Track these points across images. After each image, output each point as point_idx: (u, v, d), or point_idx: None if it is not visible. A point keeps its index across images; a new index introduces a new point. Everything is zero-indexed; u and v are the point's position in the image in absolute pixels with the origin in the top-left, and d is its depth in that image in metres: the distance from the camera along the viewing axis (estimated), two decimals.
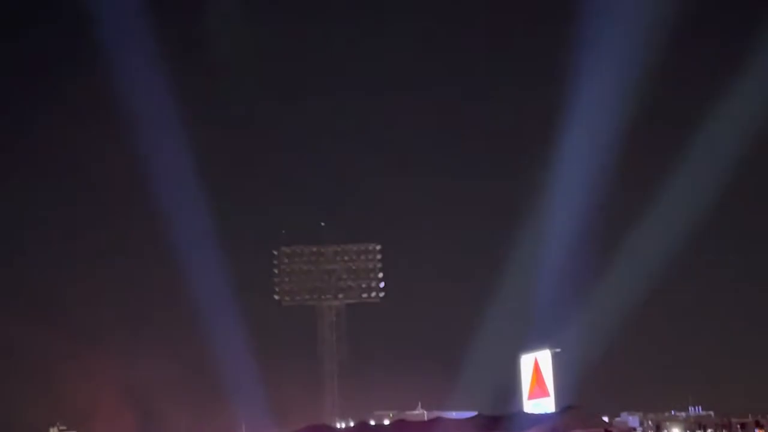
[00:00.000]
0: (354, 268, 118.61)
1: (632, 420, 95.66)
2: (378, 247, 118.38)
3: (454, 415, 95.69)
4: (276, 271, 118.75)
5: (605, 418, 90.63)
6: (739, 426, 79.44)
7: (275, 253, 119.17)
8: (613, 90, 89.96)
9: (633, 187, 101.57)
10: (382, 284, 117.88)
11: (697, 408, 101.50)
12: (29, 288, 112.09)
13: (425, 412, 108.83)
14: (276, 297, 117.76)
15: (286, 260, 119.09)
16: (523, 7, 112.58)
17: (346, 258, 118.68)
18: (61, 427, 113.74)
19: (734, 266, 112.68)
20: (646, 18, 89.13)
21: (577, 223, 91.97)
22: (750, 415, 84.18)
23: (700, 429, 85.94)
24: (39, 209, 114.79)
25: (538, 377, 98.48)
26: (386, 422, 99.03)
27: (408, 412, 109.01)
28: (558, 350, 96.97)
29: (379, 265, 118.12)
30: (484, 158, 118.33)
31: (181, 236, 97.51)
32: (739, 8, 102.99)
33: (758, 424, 76.86)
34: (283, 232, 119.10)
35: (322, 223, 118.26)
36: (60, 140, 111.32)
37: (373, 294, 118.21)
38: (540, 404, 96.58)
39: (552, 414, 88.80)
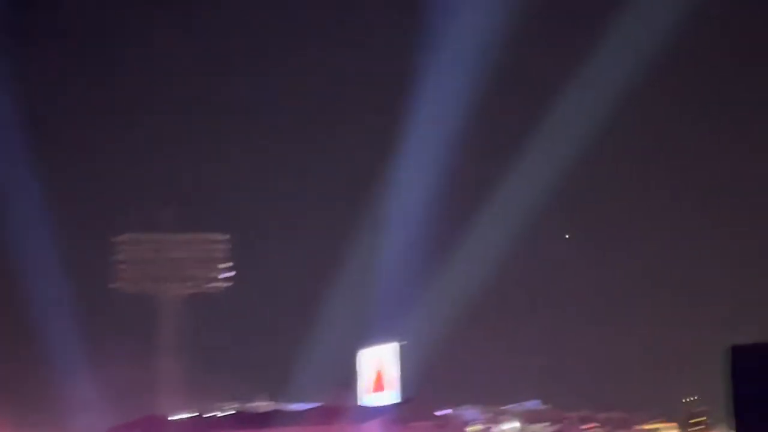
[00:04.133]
0: (199, 257, 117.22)
1: (471, 413, 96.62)
2: (224, 237, 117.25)
3: (294, 407, 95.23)
4: (118, 258, 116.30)
5: (445, 411, 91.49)
6: (572, 419, 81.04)
7: (116, 240, 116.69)
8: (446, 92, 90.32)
9: (473, 178, 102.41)
10: (227, 274, 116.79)
11: (533, 402, 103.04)
12: None
13: (268, 403, 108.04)
14: (116, 285, 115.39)
15: (128, 248, 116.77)
16: None
17: (190, 247, 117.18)
18: None
19: (570, 255, 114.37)
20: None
21: (420, 215, 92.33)
22: (583, 410, 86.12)
23: (536, 422, 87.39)
24: None
25: (380, 370, 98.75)
26: (225, 414, 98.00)
27: (250, 404, 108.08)
28: (402, 343, 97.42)
29: (225, 255, 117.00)
30: (328, 154, 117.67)
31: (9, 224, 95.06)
32: None
33: (589, 419, 78.59)
34: (125, 219, 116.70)
35: (167, 211, 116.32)
36: None
37: (218, 284, 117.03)
38: (381, 397, 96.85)
39: (391, 406, 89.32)
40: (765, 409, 34.50)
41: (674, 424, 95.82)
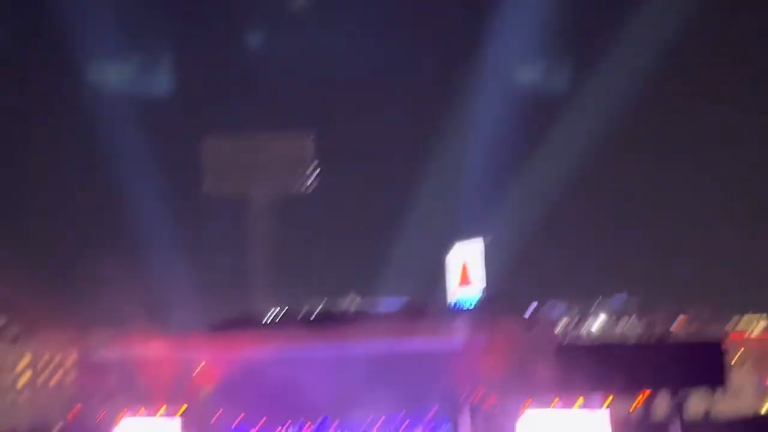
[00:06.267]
0: (284, 158, 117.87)
1: (558, 309, 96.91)
2: (310, 137, 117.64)
3: (381, 304, 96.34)
4: (204, 162, 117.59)
5: (532, 307, 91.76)
6: (662, 313, 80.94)
7: (204, 143, 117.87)
8: None
9: (566, 65, 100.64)
10: (312, 174, 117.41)
11: (622, 296, 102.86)
12: None
13: (356, 299, 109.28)
14: (204, 188, 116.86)
15: (214, 150, 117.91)
16: None
17: (276, 148, 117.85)
18: None
19: (666, 148, 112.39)
20: None
21: (508, 105, 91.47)
22: (673, 303, 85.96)
23: (624, 316, 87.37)
24: None
25: (466, 266, 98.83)
26: (314, 312, 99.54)
27: (339, 300, 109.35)
28: (487, 239, 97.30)
29: (310, 154, 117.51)
30: (412, 45, 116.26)
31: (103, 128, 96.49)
32: None
33: (682, 312, 78.49)
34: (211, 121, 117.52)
35: (252, 114, 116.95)
36: None
37: (304, 184, 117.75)
38: (467, 293, 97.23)
39: (479, 303, 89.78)
40: None
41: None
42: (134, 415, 61.90)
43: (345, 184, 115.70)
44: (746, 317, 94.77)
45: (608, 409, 52.40)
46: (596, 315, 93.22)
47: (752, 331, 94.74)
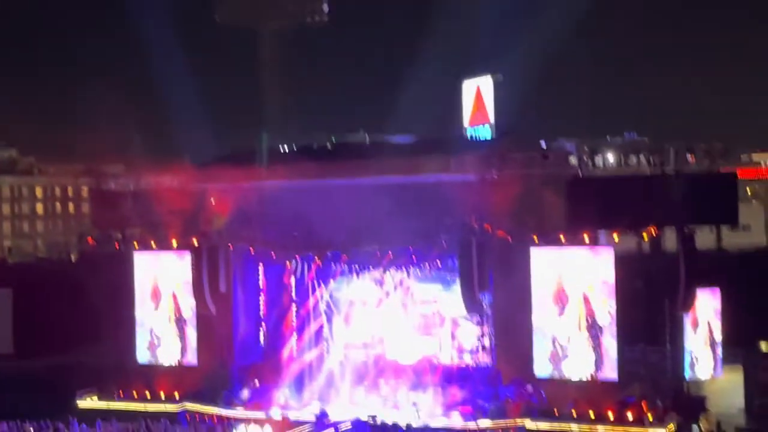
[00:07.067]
0: None
1: (569, 146, 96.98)
2: None
3: (393, 139, 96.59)
4: None
5: (542, 144, 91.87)
6: (671, 151, 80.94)
7: None
8: None
9: None
10: (325, 7, 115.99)
11: (631, 134, 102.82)
12: None
13: (366, 135, 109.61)
14: (216, 17, 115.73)
15: None
16: None
17: None
18: None
19: None
20: None
21: None
22: (683, 141, 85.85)
23: (633, 153, 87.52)
24: None
25: (478, 103, 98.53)
26: (325, 146, 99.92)
27: (350, 135, 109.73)
28: (499, 76, 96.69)
29: None
30: None
31: None
32: None
33: (690, 150, 78.50)
34: None
35: None
36: None
37: (316, 18, 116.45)
38: (479, 130, 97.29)
39: (491, 139, 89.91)
40: None
41: None
42: (145, 249, 62.70)
43: (356, 17, 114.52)
44: (757, 154, 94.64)
45: (613, 246, 52.83)
46: (605, 153, 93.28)
47: (763, 166, 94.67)
